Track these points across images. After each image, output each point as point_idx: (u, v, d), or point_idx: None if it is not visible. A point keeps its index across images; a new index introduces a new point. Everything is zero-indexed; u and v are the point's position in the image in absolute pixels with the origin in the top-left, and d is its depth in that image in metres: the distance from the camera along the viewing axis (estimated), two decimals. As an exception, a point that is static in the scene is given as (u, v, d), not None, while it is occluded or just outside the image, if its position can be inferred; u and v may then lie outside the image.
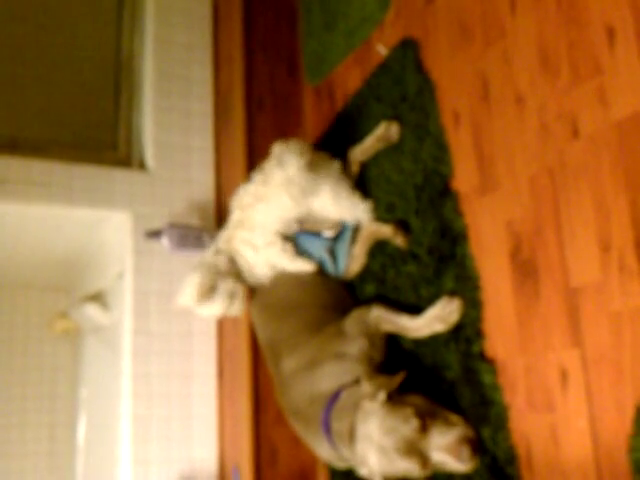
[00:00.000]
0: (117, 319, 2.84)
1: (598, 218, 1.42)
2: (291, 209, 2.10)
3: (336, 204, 2.10)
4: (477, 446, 1.59)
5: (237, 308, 2.18)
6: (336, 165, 2.14)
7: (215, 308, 2.14)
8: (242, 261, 2.19)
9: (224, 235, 2.24)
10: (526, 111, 1.62)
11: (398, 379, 1.71)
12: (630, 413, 1.33)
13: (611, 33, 1.40)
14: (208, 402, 2.63)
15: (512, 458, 1.58)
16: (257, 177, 2.17)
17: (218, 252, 2.20)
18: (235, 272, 2.18)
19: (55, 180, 2.60)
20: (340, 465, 1.93)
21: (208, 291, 2.11)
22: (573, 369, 1.45)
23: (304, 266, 2.13)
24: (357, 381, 1.83)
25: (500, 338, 1.65)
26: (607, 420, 1.38)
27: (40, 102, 2.87)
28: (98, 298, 3.14)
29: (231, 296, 2.14)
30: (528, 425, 1.56)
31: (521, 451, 1.57)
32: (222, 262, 2.17)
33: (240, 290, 2.18)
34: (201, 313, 2.16)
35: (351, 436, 1.72)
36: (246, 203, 2.17)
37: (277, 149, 2.13)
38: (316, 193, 2.09)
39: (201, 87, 2.92)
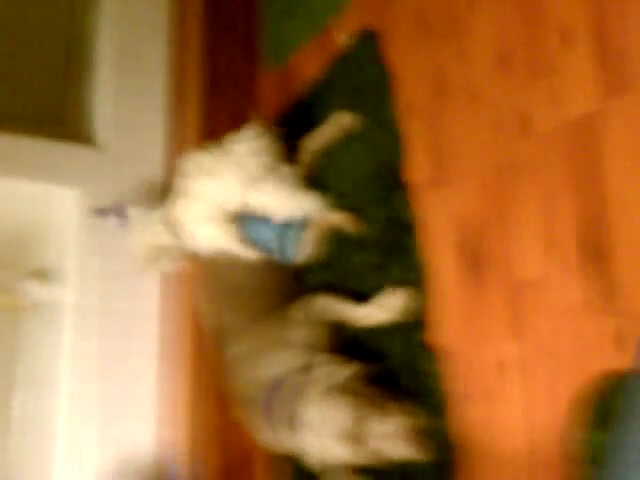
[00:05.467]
0: (59, 297, 2.79)
1: (544, 216, 1.45)
2: (234, 192, 2.11)
3: (279, 202, 2.10)
4: (416, 434, 1.62)
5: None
6: (285, 167, 2.14)
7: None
8: (183, 231, 2.20)
9: (169, 204, 2.25)
10: (480, 107, 1.65)
11: (349, 372, 1.72)
12: (564, 406, 1.36)
13: (565, 34, 1.43)
14: (148, 383, 2.60)
15: (449, 446, 1.60)
16: (212, 151, 2.18)
17: (163, 220, 2.22)
18: (176, 245, 2.23)
19: (1, 153, 2.53)
20: (281, 451, 1.94)
21: (149, 261, 2.22)
22: (511, 361, 1.49)
23: (246, 252, 2.14)
24: (301, 368, 1.84)
25: (443, 328, 1.68)
26: (542, 412, 1.41)
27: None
28: (41, 274, 3.07)
29: (164, 266, 2.27)
30: (466, 414, 1.59)
31: (459, 439, 1.60)
32: (165, 233, 2.19)
33: (174, 264, 2.27)
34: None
35: (292, 423, 1.73)
36: (192, 173, 2.18)
37: (243, 129, 2.18)
38: (259, 186, 2.10)
39: (156, 65, 2.87)
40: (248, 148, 2.12)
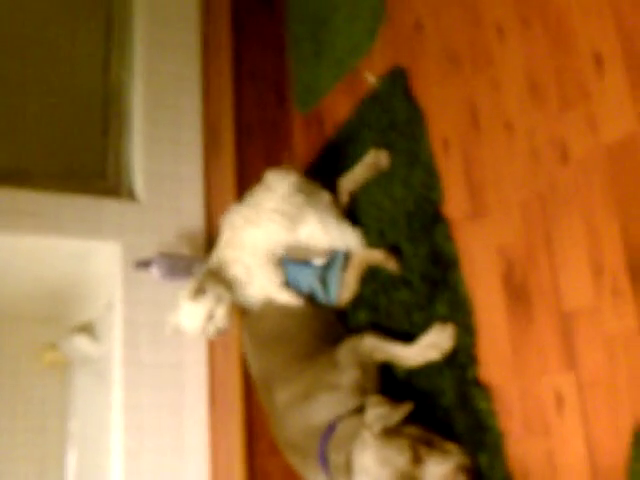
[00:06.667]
0: (107, 350, 2.81)
1: (590, 242, 1.42)
2: (279, 234, 2.12)
3: (324, 232, 2.11)
4: (473, 474, 1.58)
5: (221, 317, 2.15)
6: (325, 195, 2.16)
7: (203, 307, 2.12)
8: (234, 280, 2.19)
9: (215, 255, 2.26)
10: (515, 137, 1.63)
11: (402, 413, 1.70)
12: (627, 436, 1.32)
13: (598, 59, 1.42)
14: (200, 433, 2.60)
15: (509, 485, 1.56)
16: (248, 200, 2.21)
17: (211, 271, 2.21)
18: (227, 284, 2.19)
19: (44, 210, 2.58)
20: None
21: (200, 290, 2.12)
22: (568, 393, 1.45)
23: (291, 299, 2.13)
24: (353, 412, 1.82)
25: (494, 363, 1.64)
26: (604, 444, 1.37)
27: (28, 132, 2.86)
28: (87, 329, 3.10)
29: (218, 300, 2.13)
30: (525, 450, 1.54)
31: (518, 477, 1.55)
32: (217, 274, 2.18)
33: (228, 298, 2.16)
34: (188, 324, 2.16)
35: (348, 468, 1.70)
36: (237, 224, 2.20)
37: (269, 174, 2.19)
38: (303, 220, 2.11)
39: (190, 116, 2.92)
40: (285, 190, 2.14)
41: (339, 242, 2.12)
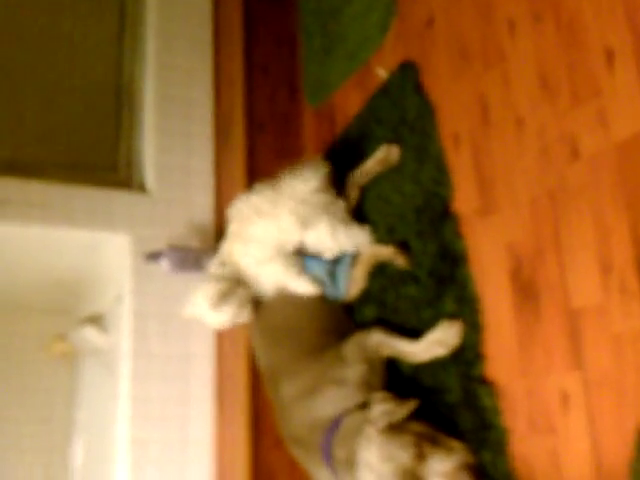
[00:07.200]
0: (115, 342, 2.82)
1: (599, 240, 1.41)
2: (290, 231, 2.11)
3: (333, 238, 2.10)
4: (477, 472, 1.58)
5: (246, 315, 2.19)
6: (340, 201, 2.15)
7: (226, 314, 2.16)
8: (246, 273, 2.20)
9: (224, 249, 2.25)
10: (526, 133, 1.62)
11: (407, 409, 1.69)
12: (632, 436, 1.31)
13: (610, 55, 1.41)
14: (206, 426, 2.60)
15: (513, 483, 1.56)
16: (265, 191, 2.19)
17: (222, 265, 2.21)
18: (244, 281, 2.20)
19: (54, 202, 2.59)
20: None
21: (223, 296, 2.13)
22: (574, 392, 1.44)
23: (308, 287, 2.12)
24: (358, 407, 1.81)
25: (501, 361, 1.64)
26: (609, 443, 1.36)
27: (40, 123, 2.87)
28: (96, 320, 3.12)
29: (242, 304, 2.16)
30: (529, 448, 1.54)
31: (522, 475, 1.55)
32: (230, 273, 2.18)
33: (249, 299, 2.19)
34: (209, 321, 2.19)
35: (352, 463, 1.70)
36: (245, 215, 2.19)
37: (296, 168, 2.19)
38: (314, 225, 2.10)
39: (202, 110, 2.92)
40: (309, 185, 2.13)
41: (347, 246, 2.11)
